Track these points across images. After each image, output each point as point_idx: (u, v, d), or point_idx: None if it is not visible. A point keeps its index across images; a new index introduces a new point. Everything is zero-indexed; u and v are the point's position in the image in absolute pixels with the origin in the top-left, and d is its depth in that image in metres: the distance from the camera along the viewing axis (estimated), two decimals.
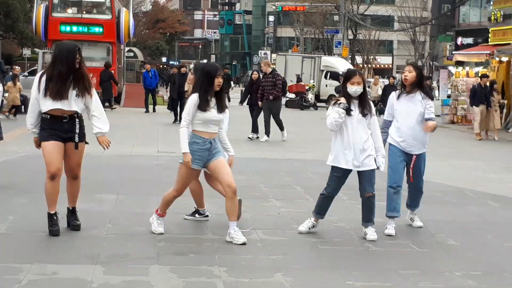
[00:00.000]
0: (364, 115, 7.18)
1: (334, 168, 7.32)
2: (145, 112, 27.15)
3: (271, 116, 17.52)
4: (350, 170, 7.28)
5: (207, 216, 7.95)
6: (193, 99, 6.90)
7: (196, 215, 7.98)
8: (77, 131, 6.98)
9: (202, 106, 6.86)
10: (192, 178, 7.13)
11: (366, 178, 7.26)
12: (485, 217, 9.07)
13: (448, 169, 13.79)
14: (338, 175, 7.31)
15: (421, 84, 7.78)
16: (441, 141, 19.28)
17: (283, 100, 35.19)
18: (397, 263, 6.62)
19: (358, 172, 7.27)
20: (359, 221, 7.92)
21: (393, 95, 7.95)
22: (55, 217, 7.05)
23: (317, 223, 7.59)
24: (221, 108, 6.95)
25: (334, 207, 8.81)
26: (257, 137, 17.71)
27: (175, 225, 7.77)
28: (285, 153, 14.89)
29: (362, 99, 7.20)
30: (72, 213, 7.27)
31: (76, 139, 6.97)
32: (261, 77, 18.15)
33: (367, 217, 7.44)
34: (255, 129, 17.96)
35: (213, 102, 6.92)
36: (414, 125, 7.73)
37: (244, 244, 6.92)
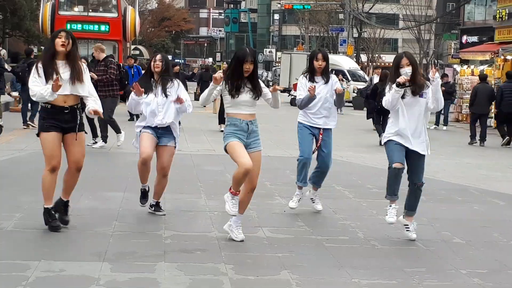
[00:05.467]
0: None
1: None
2: (129, 120, 20.78)
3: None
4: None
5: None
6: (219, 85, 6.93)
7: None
8: (78, 122, 7.01)
9: (231, 91, 6.85)
10: (243, 148, 6.85)
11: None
12: (491, 215, 9.08)
13: (453, 167, 13.79)
14: None
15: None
16: (446, 139, 19.28)
17: (287, 98, 35.47)
18: (403, 261, 6.63)
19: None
20: (364, 219, 7.97)
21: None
22: (53, 212, 7.10)
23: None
24: (255, 93, 6.90)
25: (339, 204, 8.86)
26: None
27: (182, 222, 7.80)
28: (290, 150, 14.90)
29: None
30: (65, 206, 7.21)
31: (76, 129, 7.00)
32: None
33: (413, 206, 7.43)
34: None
35: (245, 86, 6.88)
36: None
37: (242, 241, 6.95)
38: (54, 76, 6.77)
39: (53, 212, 7.12)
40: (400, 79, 7.05)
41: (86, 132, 7.23)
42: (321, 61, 8.26)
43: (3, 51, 32.00)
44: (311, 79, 8.32)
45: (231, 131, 6.90)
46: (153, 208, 8.13)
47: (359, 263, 6.46)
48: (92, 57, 16.83)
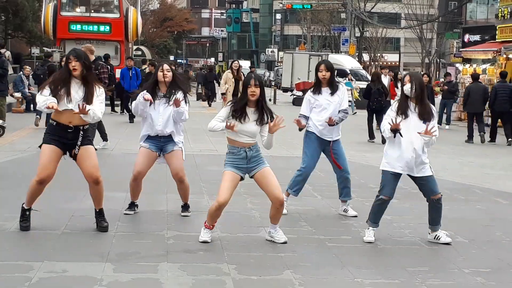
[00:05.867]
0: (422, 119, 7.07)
1: None
2: (130, 122, 20.43)
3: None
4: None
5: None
6: (228, 107, 6.89)
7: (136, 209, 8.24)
8: (79, 142, 7.03)
9: (236, 115, 6.78)
10: (231, 183, 6.85)
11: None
12: (494, 214, 9.08)
13: (456, 166, 13.78)
14: None
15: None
16: (449, 138, 19.26)
17: (289, 98, 35.42)
18: (406, 260, 6.63)
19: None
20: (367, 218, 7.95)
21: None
22: (27, 213, 7.17)
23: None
24: (259, 120, 6.84)
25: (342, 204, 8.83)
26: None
27: (184, 223, 7.81)
28: (293, 150, 14.90)
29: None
30: (99, 214, 7.31)
31: (77, 150, 7.03)
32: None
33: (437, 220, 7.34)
34: None
35: (252, 113, 6.83)
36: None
37: (285, 243, 6.97)
38: (65, 96, 6.90)
39: (27, 213, 7.18)
40: (393, 126, 6.94)
41: (96, 149, 7.27)
42: (324, 72, 8.26)
43: (8, 53, 32.02)
44: (318, 91, 8.33)
45: (230, 160, 6.90)
46: (181, 210, 8.24)
47: (362, 263, 6.46)
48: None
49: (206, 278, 5.81)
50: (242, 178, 6.98)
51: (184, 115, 7.80)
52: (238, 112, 6.79)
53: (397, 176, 7.21)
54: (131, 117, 20.39)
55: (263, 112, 6.87)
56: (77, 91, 6.97)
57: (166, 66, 7.90)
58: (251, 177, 6.99)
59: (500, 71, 21.07)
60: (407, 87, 7.04)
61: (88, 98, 6.96)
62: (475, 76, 20.59)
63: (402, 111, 7.05)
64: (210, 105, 30.44)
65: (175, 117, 7.78)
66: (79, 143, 7.03)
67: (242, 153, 6.85)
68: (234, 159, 6.87)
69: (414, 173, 7.14)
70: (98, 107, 7.02)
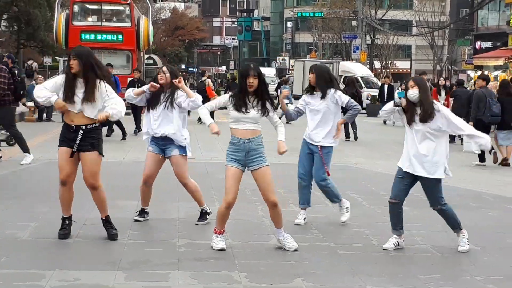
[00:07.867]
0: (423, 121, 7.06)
1: None
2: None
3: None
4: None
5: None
6: (225, 96, 7.04)
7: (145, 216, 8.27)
8: (77, 142, 7.02)
9: (236, 105, 6.86)
10: (235, 180, 6.87)
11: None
12: (505, 221, 9.04)
13: (466, 173, 13.74)
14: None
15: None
16: (459, 144, 19.19)
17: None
18: (417, 267, 6.62)
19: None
20: (378, 226, 7.94)
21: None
22: (66, 221, 7.22)
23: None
24: (261, 111, 6.91)
25: (353, 212, 8.83)
26: None
27: (195, 231, 7.82)
28: None
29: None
30: (106, 222, 7.35)
31: (74, 148, 7.03)
32: None
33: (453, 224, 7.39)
34: None
35: (253, 103, 6.91)
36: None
37: (296, 250, 6.96)
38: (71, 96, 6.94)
39: (66, 222, 7.22)
40: (401, 102, 7.15)
41: (102, 155, 7.22)
42: (310, 74, 8.25)
43: (35, 64, 32.14)
44: (311, 94, 8.31)
45: (230, 151, 6.95)
46: (198, 218, 8.27)
47: (373, 270, 6.45)
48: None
49: (217, 286, 5.82)
50: (243, 171, 7.01)
51: (196, 102, 7.83)
52: (240, 103, 6.86)
53: (403, 178, 7.17)
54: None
55: (263, 100, 6.91)
56: (80, 90, 6.98)
57: (164, 68, 7.99)
58: (250, 171, 6.99)
59: (478, 76, 21.79)
60: (410, 93, 7.04)
61: (87, 97, 6.95)
62: (460, 82, 21.29)
63: (409, 118, 7.07)
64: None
65: (191, 106, 7.86)
66: (77, 142, 7.01)
67: (241, 144, 6.88)
68: (234, 150, 6.90)
69: (414, 171, 7.07)
70: (114, 102, 7.01)
